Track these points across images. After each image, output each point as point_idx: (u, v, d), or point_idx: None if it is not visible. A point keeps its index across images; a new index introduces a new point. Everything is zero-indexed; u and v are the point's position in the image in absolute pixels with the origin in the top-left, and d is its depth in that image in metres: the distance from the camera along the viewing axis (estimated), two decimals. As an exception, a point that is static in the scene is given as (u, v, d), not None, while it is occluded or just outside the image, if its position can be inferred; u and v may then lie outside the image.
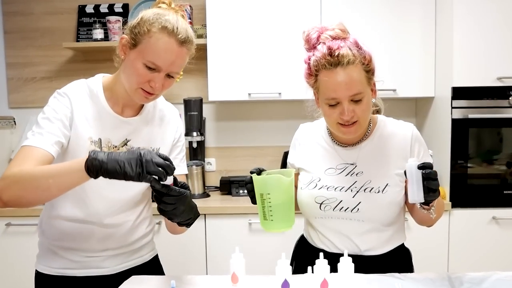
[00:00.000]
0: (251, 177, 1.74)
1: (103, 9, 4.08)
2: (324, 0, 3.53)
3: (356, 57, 1.71)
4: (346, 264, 1.57)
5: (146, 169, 1.44)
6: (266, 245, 3.29)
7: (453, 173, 3.30)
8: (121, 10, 4.06)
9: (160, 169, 1.45)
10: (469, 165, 3.31)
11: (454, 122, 3.28)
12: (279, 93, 3.61)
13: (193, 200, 1.68)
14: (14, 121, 4.02)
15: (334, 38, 1.75)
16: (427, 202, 1.62)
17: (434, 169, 1.59)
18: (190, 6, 3.82)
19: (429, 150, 1.98)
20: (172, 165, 1.49)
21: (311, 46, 1.80)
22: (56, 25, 4.10)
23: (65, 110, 1.74)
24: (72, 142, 1.75)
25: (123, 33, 1.76)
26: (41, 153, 1.63)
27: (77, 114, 1.75)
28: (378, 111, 2.10)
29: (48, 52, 4.11)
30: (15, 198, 1.55)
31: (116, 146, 1.81)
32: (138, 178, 1.45)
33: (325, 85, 1.74)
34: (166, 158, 1.49)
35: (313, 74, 1.78)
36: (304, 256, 2.01)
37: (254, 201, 1.78)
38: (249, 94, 3.62)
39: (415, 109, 4.04)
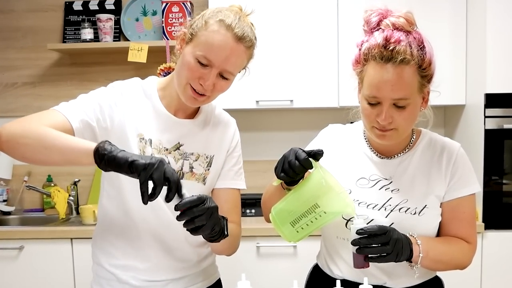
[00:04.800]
0: (310, 161, 1.65)
1: (93, 6, 4.14)
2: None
3: (413, 57, 1.66)
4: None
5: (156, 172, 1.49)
6: (276, 271, 3.35)
7: (486, 191, 3.33)
8: (113, 7, 4.13)
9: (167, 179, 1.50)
10: (504, 181, 3.34)
11: (488, 133, 3.33)
12: (291, 101, 3.66)
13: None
14: (-7, 132, 4.07)
15: (396, 27, 1.70)
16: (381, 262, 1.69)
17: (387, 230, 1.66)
18: (190, 3, 3.90)
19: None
20: (179, 184, 1.53)
21: (369, 29, 1.76)
22: (40, 24, 4.17)
23: (109, 100, 1.82)
24: (117, 139, 1.80)
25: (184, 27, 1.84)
26: (63, 120, 1.71)
27: (126, 109, 1.84)
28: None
29: (31, 55, 4.17)
30: (13, 144, 1.62)
31: (167, 149, 1.88)
32: (145, 168, 1.48)
33: (369, 79, 1.71)
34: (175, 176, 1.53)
35: (361, 62, 1.76)
36: (318, 287, 2.03)
37: (280, 173, 1.70)
38: (257, 101, 3.68)
39: (443, 118, 4.07)
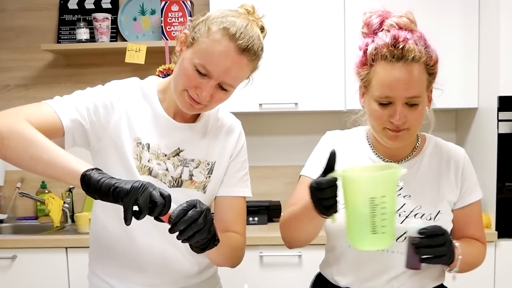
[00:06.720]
0: (333, 177, 1.56)
1: (89, 5, 4.14)
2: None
3: (422, 55, 1.72)
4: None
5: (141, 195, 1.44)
6: (280, 281, 3.34)
7: (499, 198, 3.34)
8: (109, 6, 4.13)
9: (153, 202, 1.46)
10: (518, 188, 3.34)
11: (501, 137, 3.33)
12: (295, 104, 3.67)
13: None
14: (-16, 136, 4.07)
15: (400, 27, 1.75)
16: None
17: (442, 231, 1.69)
18: (190, 2, 3.90)
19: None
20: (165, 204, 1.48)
21: (371, 31, 1.80)
22: (34, 23, 4.17)
23: (106, 100, 1.79)
24: (112, 142, 1.79)
25: (186, 28, 1.80)
26: (53, 117, 1.68)
27: (123, 111, 1.81)
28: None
29: (24, 55, 4.17)
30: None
31: (166, 155, 1.84)
32: (127, 194, 1.43)
33: (380, 79, 1.74)
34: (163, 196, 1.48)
35: (368, 63, 1.78)
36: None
37: (326, 211, 1.59)
38: (260, 104, 3.68)
39: (455, 122, 4.08)
